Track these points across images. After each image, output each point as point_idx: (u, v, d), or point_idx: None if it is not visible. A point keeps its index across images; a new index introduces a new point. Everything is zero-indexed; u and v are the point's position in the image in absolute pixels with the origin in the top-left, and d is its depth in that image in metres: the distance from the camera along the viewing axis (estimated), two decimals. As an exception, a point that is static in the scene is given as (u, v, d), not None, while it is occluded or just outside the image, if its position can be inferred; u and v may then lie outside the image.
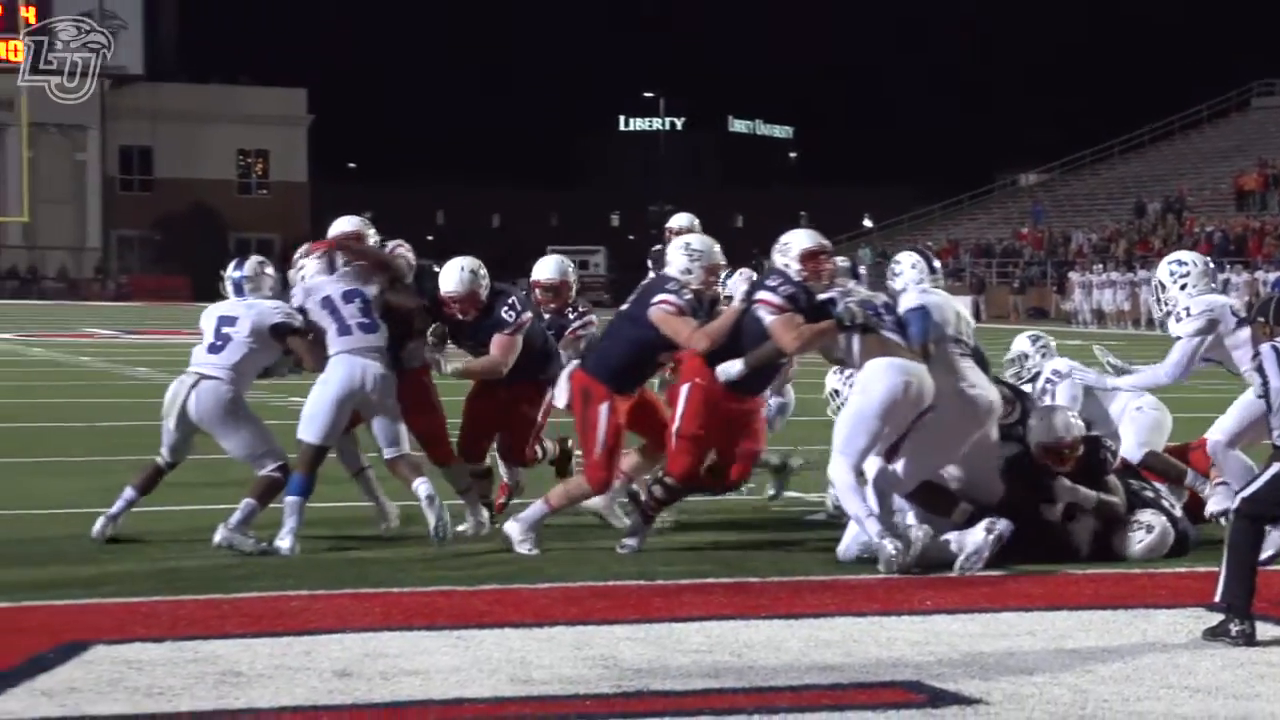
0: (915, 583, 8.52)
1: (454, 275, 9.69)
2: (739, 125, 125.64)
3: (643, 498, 9.44)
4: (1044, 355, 10.43)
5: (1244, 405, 9.48)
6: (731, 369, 8.92)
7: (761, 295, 8.96)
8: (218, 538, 8.88)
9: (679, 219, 14.06)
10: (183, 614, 7.51)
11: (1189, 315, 9.69)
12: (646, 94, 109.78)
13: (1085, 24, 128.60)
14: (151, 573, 8.53)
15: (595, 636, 7.19)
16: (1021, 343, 10.59)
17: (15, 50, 73.23)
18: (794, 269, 9.05)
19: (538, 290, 10.38)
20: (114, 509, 9.26)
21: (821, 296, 9.03)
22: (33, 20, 74.80)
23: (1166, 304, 9.94)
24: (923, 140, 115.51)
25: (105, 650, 6.81)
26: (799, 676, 6.54)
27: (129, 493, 9.29)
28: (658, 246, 12.67)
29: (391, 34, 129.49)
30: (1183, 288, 9.84)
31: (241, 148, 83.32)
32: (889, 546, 8.57)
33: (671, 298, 9.15)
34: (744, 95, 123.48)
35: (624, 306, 9.60)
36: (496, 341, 9.62)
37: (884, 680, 6.54)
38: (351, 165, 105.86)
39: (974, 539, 8.73)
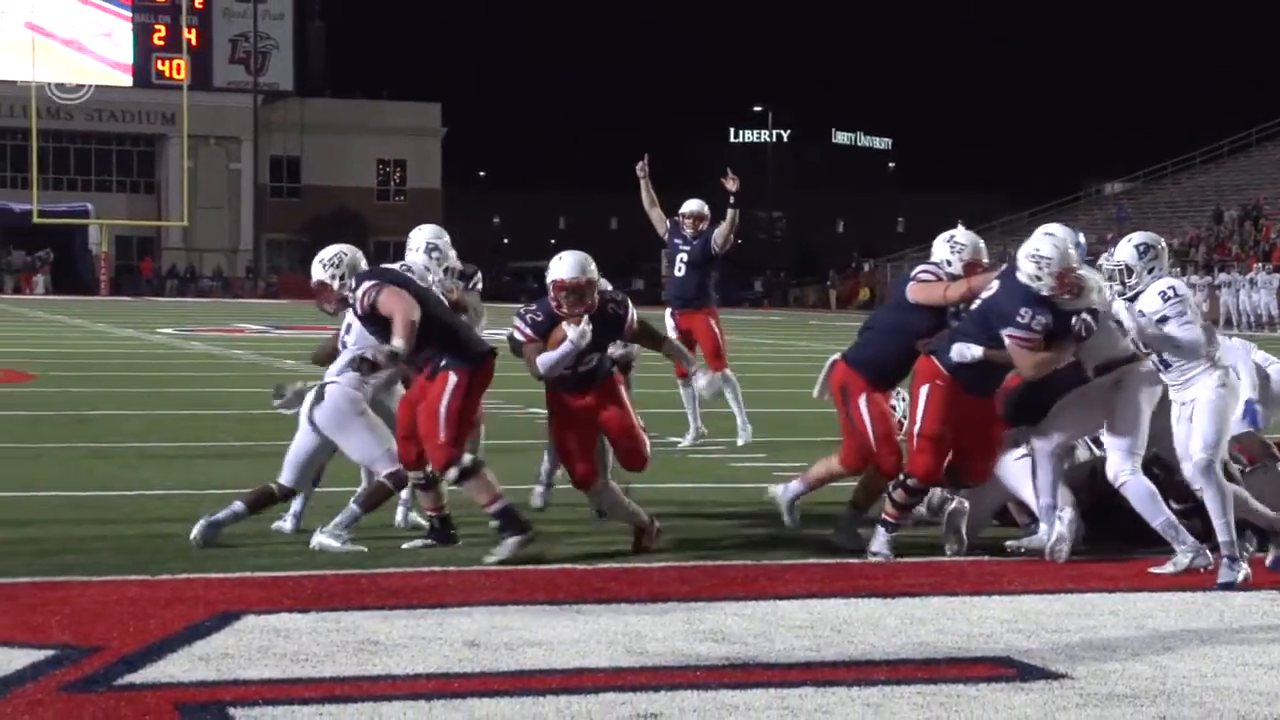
0: (1004, 565, 8.46)
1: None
2: (841, 137, 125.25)
3: (889, 498, 8.70)
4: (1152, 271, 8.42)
5: None
6: (968, 351, 8.38)
7: (1011, 332, 8.25)
8: (315, 542, 8.63)
9: (690, 204, 14.21)
10: (325, 588, 7.56)
11: None
12: (756, 108, 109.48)
13: (1169, 44, 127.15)
14: (296, 550, 8.60)
15: (705, 612, 7.18)
16: (1125, 252, 8.47)
17: (179, 69, 74.33)
18: (1046, 285, 8.26)
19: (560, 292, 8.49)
20: (219, 516, 8.76)
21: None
22: (194, 41, 75.96)
23: None
24: (1014, 151, 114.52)
25: (255, 620, 6.88)
26: (895, 651, 6.50)
27: (238, 505, 8.74)
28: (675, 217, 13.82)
29: (519, 53, 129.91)
30: None
31: (381, 157, 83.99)
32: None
33: (930, 267, 8.89)
34: (846, 109, 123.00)
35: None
36: None
37: (975, 656, 6.48)
38: (481, 173, 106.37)
39: (1060, 527, 8.61)
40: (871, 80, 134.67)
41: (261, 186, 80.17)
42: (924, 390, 8.60)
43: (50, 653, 6.16)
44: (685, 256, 14.31)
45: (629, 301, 8.66)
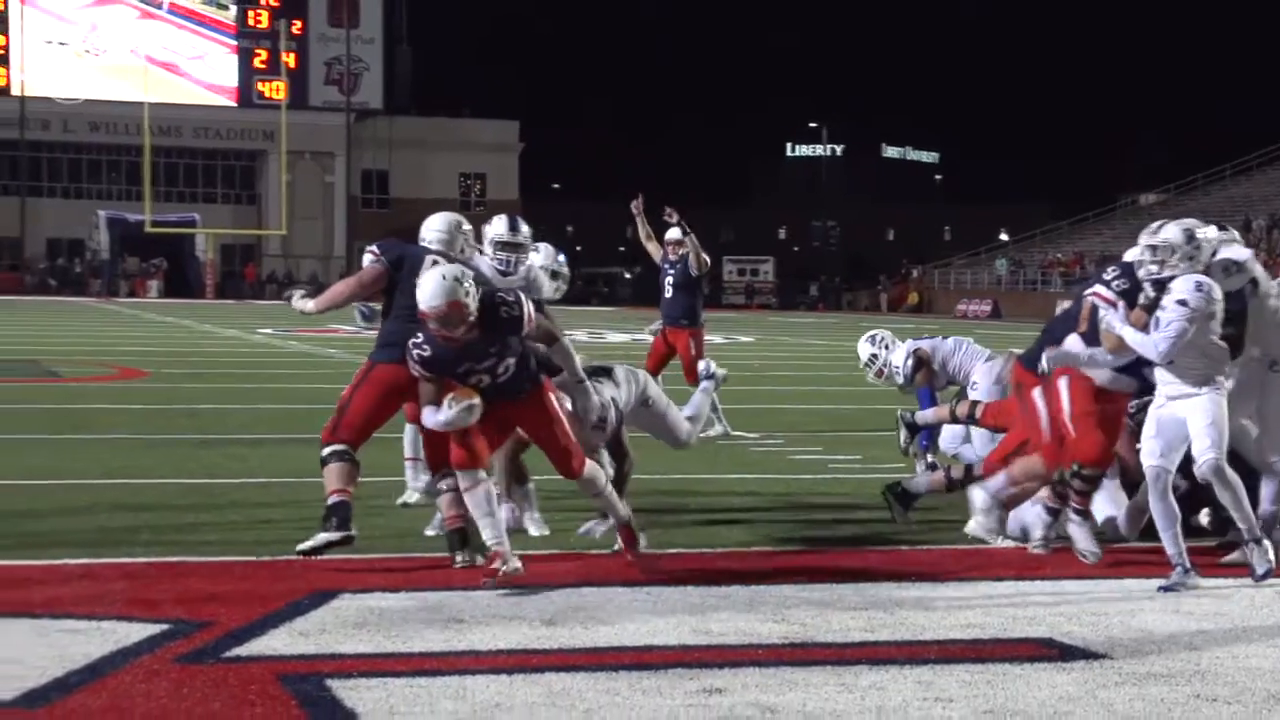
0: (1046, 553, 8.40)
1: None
2: (891, 151, 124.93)
3: (1067, 492, 8.27)
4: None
5: None
6: (1079, 354, 7.93)
7: (1095, 289, 7.92)
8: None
9: (670, 233, 14.55)
10: (414, 568, 7.59)
11: None
12: (811, 124, 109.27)
13: (1202, 64, 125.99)
14: (388, 533, 8.63)
15: (766, 595, 7.16)
16: (1171, 232, 8.03)
17: (277, 89, 74.83)
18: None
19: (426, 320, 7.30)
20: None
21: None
22: (292, 64, 76.49)
23: None
24: (1053, 164, 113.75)
25: (350, 598, 6.91)
26: (944, 632, 6.47)
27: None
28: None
29: (588, 74, 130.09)
30: None
31: (463, 171, 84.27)
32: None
33: (1102, 289, 8.01)
34: (896, 126, 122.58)
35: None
36: None
37: (1019, 637, 6.44)
38: (555, 186, 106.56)
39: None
40: (919, 98, 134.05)
41: (353, 198, 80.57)
42: (1062, 382, 8.15)
43: (165, 627, 6.21)
44: (671, 279, 14.70)
45: (523, 299, 7.45)
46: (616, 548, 7.99)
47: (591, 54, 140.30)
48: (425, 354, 7.29)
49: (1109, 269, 8.23)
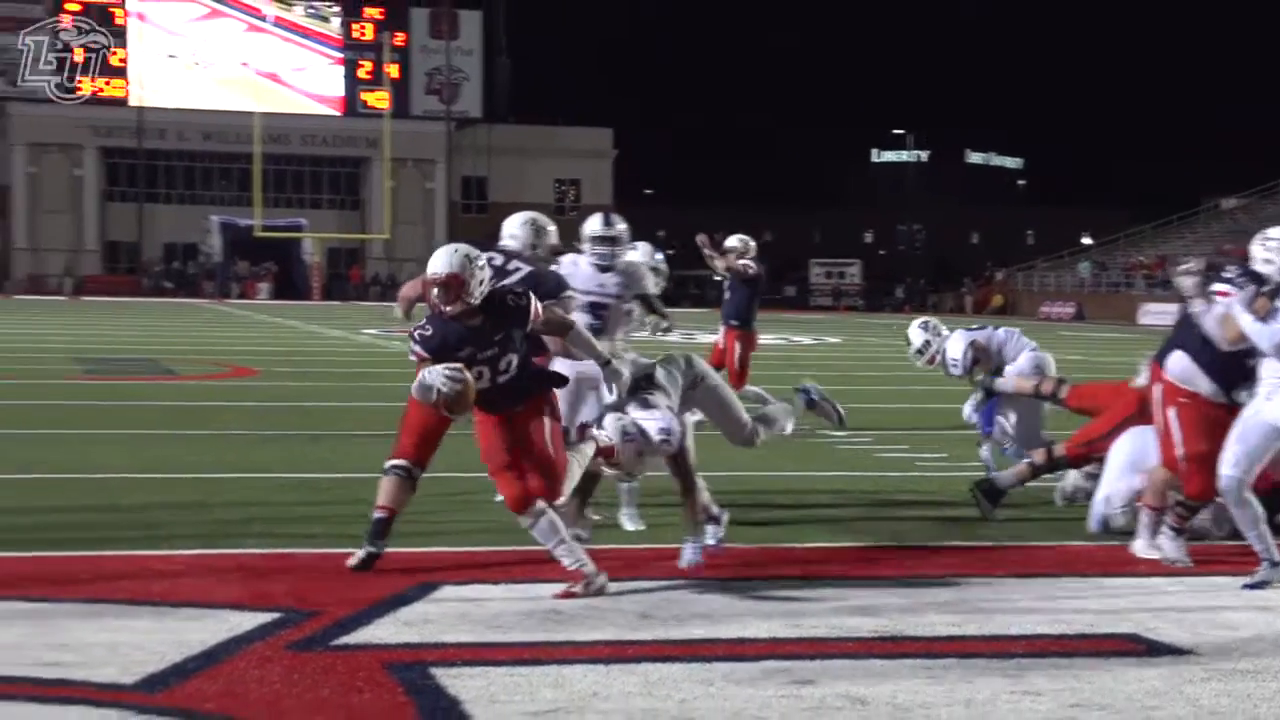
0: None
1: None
2: (975, 157, 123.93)
3: (1171, 513, 8.05)
4: None
5: None
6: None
7: (1218, 286, 7.65)
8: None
9: (728, 240, 14.64)
10: (513, 561, 7.61)
11: None
12: (896, 130, 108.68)
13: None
14: (486, 528, 8.66)
15: (855, 590, 7.12)
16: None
17: (381, 99, 75.45)
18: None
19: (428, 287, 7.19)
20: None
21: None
22: (396, 75, 77.10)
23: None
24: (1136, 168, 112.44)
25: (452, 590, 6.95)
26: (1031, 627, 6.40)
27: None
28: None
29: (678, 83, 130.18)
30: None
31: (558, 177, 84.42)
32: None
33: (1224, 286, 7.72)
34: (980, 132, 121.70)
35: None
36: None
37: (1106, 632, 6.36)
38: (648, 191, 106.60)
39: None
40: (1003, 105, 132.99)
41: (453, 203, 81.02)
42: (1170, 414, 7.93)
43: (276, 615, 6.27)
44: (727, 283, 14.91)
45: (531, 295, 7.19)
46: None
47: (683, 62, 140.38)
48: (426, 333, 7.02)
49: (1228, 268, 8.03)
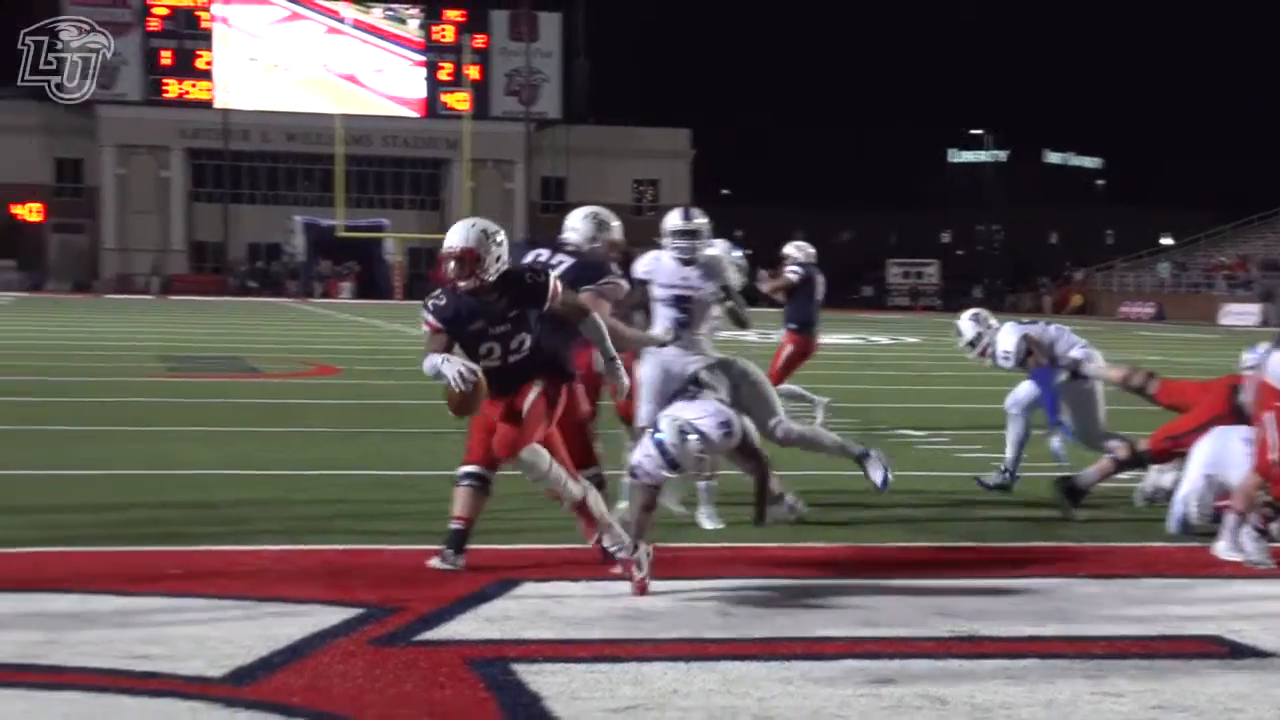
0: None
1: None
2: (1054, 157, 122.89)
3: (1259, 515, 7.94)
4: None
5: None
6: None
7: None
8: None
9: (785, 248, 14.69)
10: (593, 559, 7.61)
11: None
12: (974, 131, 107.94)
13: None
14: (566, 524, 8.65)
15: (934, 589, 7.08)
16: None
17: (462, 101, 75.89)
18: None
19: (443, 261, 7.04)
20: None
21: None
22: (476, 77, 77.51)
23: None
24: (1217, 168, 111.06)
25: (533, 586, 6.96)
26: (1112, 628, 6.34)
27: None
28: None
29: (756, 83, 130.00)
30: None
31: (637, 177, 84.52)
32: None
33: None
34: (1059, 131, 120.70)
35: None
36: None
37: (1188, 634, 6.29)
38: (725, 191, 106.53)
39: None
40: (1082, 104, 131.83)
41: (533, 204, 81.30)
42: (1268, 419, 7.77)
43: (359, 611, 6.31)
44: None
45: (551, 274, 7.09)
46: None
47: (762, 62, 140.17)
48: (440, 303, 6.92)
49: None
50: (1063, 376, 10.23)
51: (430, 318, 6.95)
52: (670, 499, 8.68)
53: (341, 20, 79.82)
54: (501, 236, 6.98)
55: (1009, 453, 10.60)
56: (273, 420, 14.53)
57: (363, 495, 9.82)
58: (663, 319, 8.62)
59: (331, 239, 71.00)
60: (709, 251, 8.99)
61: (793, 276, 14.49)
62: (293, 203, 79.33)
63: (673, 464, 7.38)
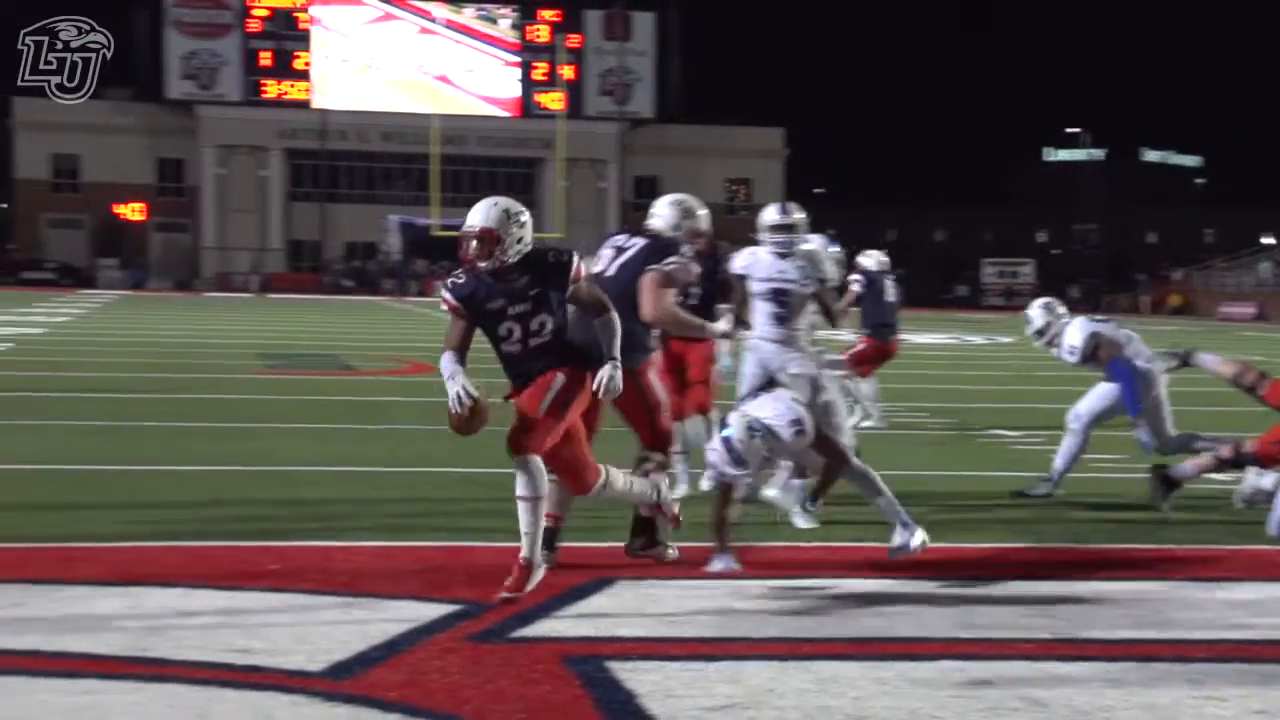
0: (1318, 555, 8.05)
1: None
2: (1152, 155, 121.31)
3: None
4: None
5: None
6: None
7: None
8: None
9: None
10: (687, 558, 7.57)
11: None
12: (1070, 129, 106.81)
13: None
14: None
15: (1031, 591, 7.02)
16: None
17: (556, 100, 76.19)
18: None
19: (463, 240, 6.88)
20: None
21: None
22: (571, 76, 77.78)
23: None
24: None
25: (628, 585, 6.97)
26: (1214, 632, 6.24)
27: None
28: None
29: (852, 81, 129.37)
30: None
31: (729, 176, 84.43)
32: None
33: None
34: (1157, 129, 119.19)
35: None
36: None
37: (1292, 639, 6.19)
38: (818, 190, 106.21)
39: None
40: (1181, 102, 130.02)
41: (625, 203, 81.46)
42: None
43: (456, 607, 6.35)
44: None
45: (572, 253, 6.85)
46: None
47: (854, 61, 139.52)
48: (459, 281, 6.79)
49: None
50: (1172, 363, 10.03)
51: (449, 296, 6.83)
52: (789, 498, 8.55)
53: (433, 20, 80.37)
54: (525, 218, 6.77)
55: (1058, 463, 10.32)
56: (368, 417, 14.65)
57: (456, 493, 9.87)
58: (760, 314, 8.61)
59: (426, 238, 71.53)
60: (806, 246, 8.96)
61: (856, 288, 14.86)
62: (388, 202, 80.00)
63: (738, 460, 7.31)
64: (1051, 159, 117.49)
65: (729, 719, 4.88)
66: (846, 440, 8.01)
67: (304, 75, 78.90)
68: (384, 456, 11.64)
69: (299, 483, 10.16)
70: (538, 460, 6.75)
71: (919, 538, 7.49)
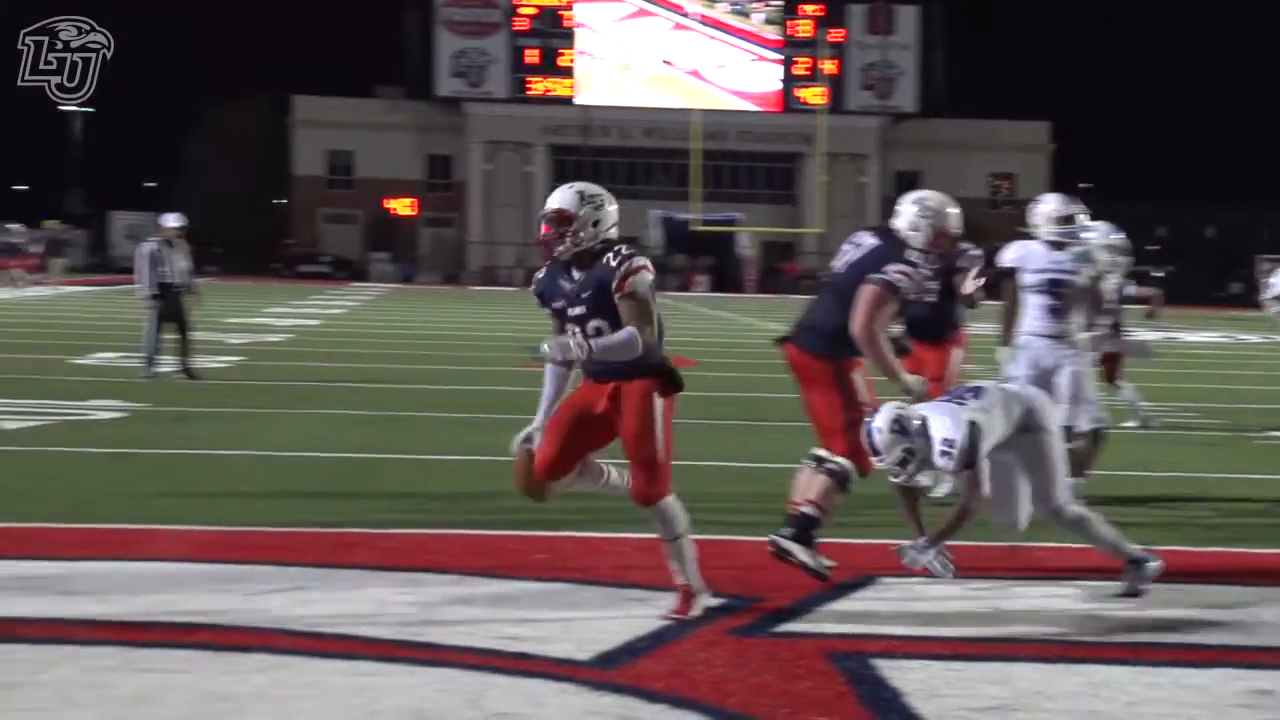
0: None
1: None
2: None
3: None
4: None
5: None
6: None
7: None
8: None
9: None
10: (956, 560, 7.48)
11: None
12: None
13: None
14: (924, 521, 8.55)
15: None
16: None
17: (818, 95, 75.96)
18: None
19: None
20: None
21: None
22: (834, 70, 77.43)
23: None
24: None
25: (892, 582, 6.93)
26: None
27: None
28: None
29: (1124, 75, 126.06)
30: None
31: (992, 171, 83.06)
32: None
33: None
34: None
35: None
36: None
37: None
38: (1084, 185, 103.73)
39: None
40: None
41: (886, 198, 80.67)
42: None
43: (719, 601, 6.39)
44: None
45: (634, 260, 6.27)
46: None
47: (1123, 53, 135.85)
48: (538, 277, 6.58)
49: None
50: None
51: (533, 289, 6.66)
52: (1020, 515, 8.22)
53: (686, 15, 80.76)
54: (603, 201, 6.37)
55: None
56: (631, 411, 14.77)
57: (718, 488, 9.92)
58: (1032, 309, 8.47)
59: (687, 233, 71.98)
60: (1086, 236, 8.80)
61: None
62: (649, 197, 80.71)
63: (874, 450, 6.81)
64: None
65: (997, 721, 4.82)
66: (1058, 493, 6.88)
67: (568, 72, 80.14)
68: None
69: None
70: (668, 501, 6.35)
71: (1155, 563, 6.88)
